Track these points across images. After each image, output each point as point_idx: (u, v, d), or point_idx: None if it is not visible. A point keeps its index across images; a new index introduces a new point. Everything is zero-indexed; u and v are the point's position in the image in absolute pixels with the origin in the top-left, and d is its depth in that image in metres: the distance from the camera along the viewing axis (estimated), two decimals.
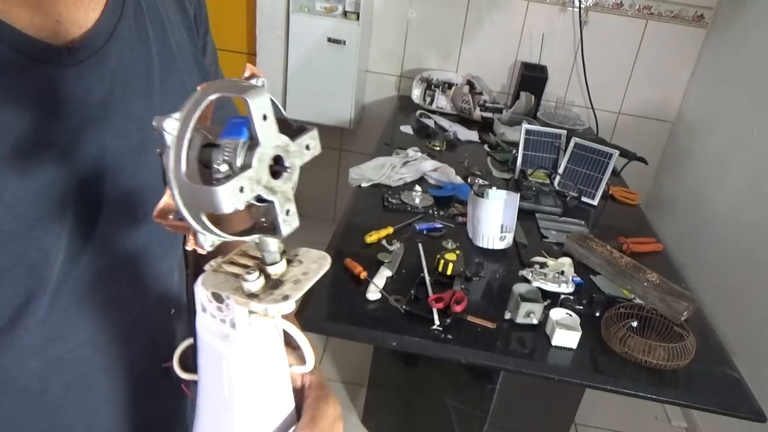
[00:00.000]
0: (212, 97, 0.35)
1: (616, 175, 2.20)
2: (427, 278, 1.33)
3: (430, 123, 2.39)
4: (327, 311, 1.20)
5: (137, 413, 0.60)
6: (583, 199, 1.92)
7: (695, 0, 2.53)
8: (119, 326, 0.55)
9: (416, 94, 2.61)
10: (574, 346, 1.21)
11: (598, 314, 1.31)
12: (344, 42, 2.49)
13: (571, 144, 1.97)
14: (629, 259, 1.45)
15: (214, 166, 0.34)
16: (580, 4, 2.56)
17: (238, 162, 0.34)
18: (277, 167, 0.36)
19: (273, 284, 0.41)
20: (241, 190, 0.33)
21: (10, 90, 0.42)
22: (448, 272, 1.34)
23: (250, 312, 0.42)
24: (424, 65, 2.75)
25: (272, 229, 0.38)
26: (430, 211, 1.66)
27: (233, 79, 0.38)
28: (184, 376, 0.51)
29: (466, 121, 2.49)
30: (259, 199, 0.36)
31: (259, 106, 0.34)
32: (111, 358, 0.55)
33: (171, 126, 0.34)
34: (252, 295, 0.40)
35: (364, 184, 1.75)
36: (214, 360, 0.44)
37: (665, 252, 1.69)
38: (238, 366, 0.44)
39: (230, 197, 0.33)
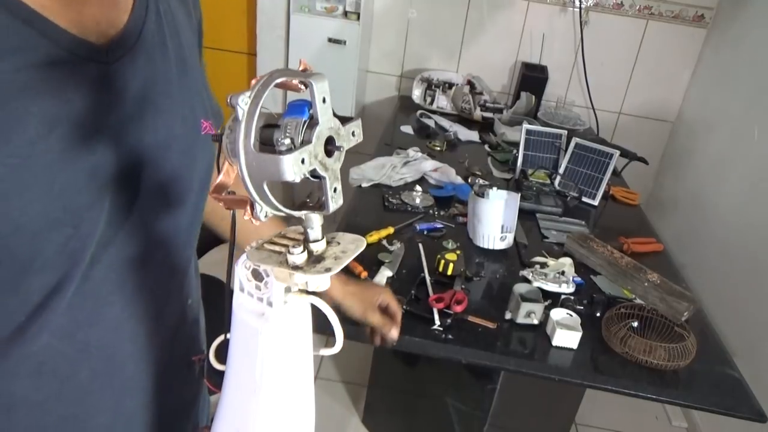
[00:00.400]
0: (280, 79, 0.39)
1: (616, 176, 2.20)
2: (428, 278, 1.33)
3: (431, 123, 2.39)
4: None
5: (159, 402, 0.63)
6: (584, 199, 1.92)
7: (696, 0, 2.53)
8: (144, 314, 0.57)
9: (417, 94, 2.61)
10: (575, 347, 1.21)
11: (598, 314, 1.31)
12: (345, 42, 2.49)
13: (572, 144, 1.96)
14: (630, 260, 1.45)
15: (279, 139, 0.38)
16: (580, 4, 2.56)
17: (300, 137, 0.38)
18: (329, 147, 0.40)
19: (315, 259, 0.44)
20: (303, 161, 0.37)
21: (60, 87, 0.45)
22: (449, 272, 1.34)
23: (286, 291, 0.45)
24: (424, 65, 2.75)
25: (318, 207, 0.42)
26: (431, 211, 1.66)
27: (295, 69, 0.41)
28: (220, 367, 0.53)
29: (466, 121, 2.49)
30: (313, 174, 0.39)
31: (321, 89, 0.38)
32: (136, 345, 0.58)
33: (243, 102, 0.38)
34: (296, 267, 0.43)
35: (364, 184, 1.75)
36: (249, 337, 0.47)
37: (666, 252, 1.69)
38: (272, 343, 0.47)
39: (293, 166, 0.37)
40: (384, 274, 1.31)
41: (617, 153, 1.90)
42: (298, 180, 0.38)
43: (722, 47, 2.47)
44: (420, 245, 1.47)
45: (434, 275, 1.34)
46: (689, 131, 2.64)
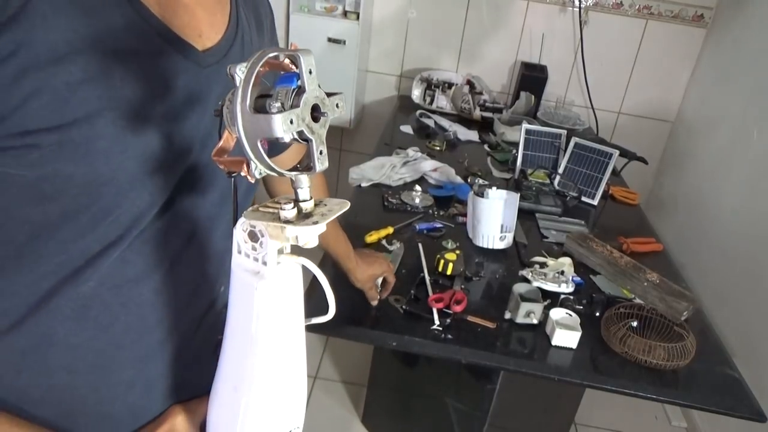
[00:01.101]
0: (272, 54, 0.45)
1: (616, 175, 2.20)
2: (427, 278, 1.33)
3: (430, 123, 2.39)
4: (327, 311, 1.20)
5: (178, 376, 0.67)
6: (583, 198, 1.92)
7: (695, 0, 2.53)
8: (182, 287, 0.63)
9: (416, 93, 2.61)
10: (574, 346, 1.21)
11: (598, 314, 1.31)
12: (344, 42, 2.49)
13: (571, 144, 1.97)
14: (629, 259, 1.45)
15: (271, 103, 0.44)
16: (580, 4, 2.56)
17: (289, 102, 0.44)
18: (315, 114, 0.46)
19: (304, 215, 0.49)
20: (291, 122, 0.43)
21: (165, 76, 0.55)
22: (448, 272, 1.34)
23: (279, 252, 0.51)
24: (424, 65, 2.75)
25: (306, 169, 0.47)
26: (430, 211, 1.66)
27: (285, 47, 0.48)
28: None
29: (466, 120, 2.49)
30: (301, 137, 0.45)
31: (308, 62, 0.44)
32: (169, 313, 0.63)
33: (241, 70, 0.44)
34: (287, 221, 0.48)
35: (364, 184, 1.75)
36: (246, 294, 0.51)
37: (665, 252, 1.69)
38: (267, 299, 0.51)
39: (283, 125, 0.43)
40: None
41: (617, 153, 1.90)
42: (287, 139, 0.44)
43: (722, 47, 2.47)
44: (419, 245, 1.47)
45: (434, 275, 1.35)
46: (689, 131, 2.64)
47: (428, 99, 2.60)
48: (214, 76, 0.60)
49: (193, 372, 0.69)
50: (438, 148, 2.15)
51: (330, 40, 2.50)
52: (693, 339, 1.20)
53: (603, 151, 1.91)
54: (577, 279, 1.41)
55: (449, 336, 1.18)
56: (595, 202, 1.91)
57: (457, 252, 1.40)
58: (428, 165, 1.86)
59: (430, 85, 2.60)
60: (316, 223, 0.48)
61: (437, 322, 1.20)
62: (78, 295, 0.56)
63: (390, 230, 1.50)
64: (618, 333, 1.21)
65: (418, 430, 1.84)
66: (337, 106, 0.48)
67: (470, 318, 1.23)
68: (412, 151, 1.96)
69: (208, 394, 0.64)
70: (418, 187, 1.72)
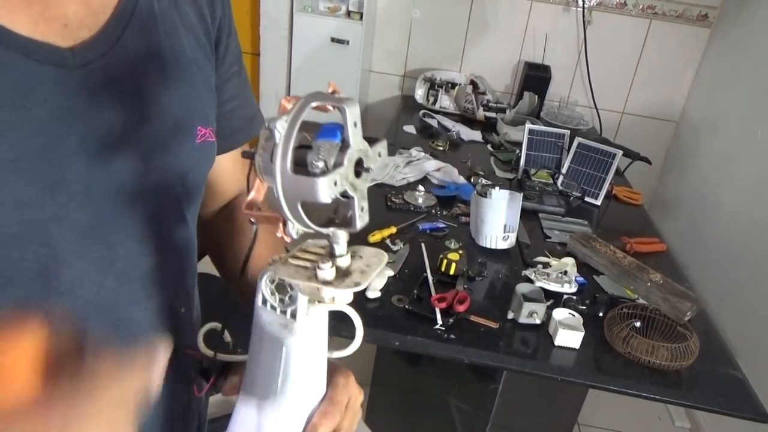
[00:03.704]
0: (314, 104, 0.41)
1: (619, 175, 2.19)
2: (430, 278, 1.33)
3: (434, 123, 2.39)
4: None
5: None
6: (587, 199, 1.92)
7: (699, 0, 2.52)
8: (145, 306, 0.56)
9: (419, 94, 2.61)
10: (577, 346, 1.21)
11: (601, 314, 1.31)
12: (348, 42, 2.49)
13: (575, 144, 1.96)
14: (632, 259, 1.44)
15: (313, 162, 0.40)
16: (583, 4, 2.55)
17: (333, 160, 0.40)
18: (358, 168, 0.42)
19: (343, 273, 0.46)
20: (335, 183, 0.40)
21: (11, 92, 0.43)
22: (451, 272, 1.34)
23: (310, 302, 0.47)
24: (427, 65, 2.75)
25: (346, 224, 0.44)
26: (433, 211, 1.66)
27: (326, 92, 0.43)
28: (209, 353, 0.55)
29: (469, 120, 2.49)
30: (343, 195, 0.42)
31: (353, 114, 0.40)
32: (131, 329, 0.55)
33: (281, 126, 0.40)
34: (326, 282, 0.45)
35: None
36: (272, 348, 0.49)
37: (669, 252, 1.69)
38: (296, 353, 0.48)
39: (327, 188, 0.39)
40: (386, 274, 1.31)
41: (620, 153, 1.89)
42: (330, 201, 0.40)
43: (726, 47, 2.47)
44: (422, 245, 1.47)
45: (437, 275, 1.35)
46: (693, 131, 2.63)
47: (431, 99, 2.59)
48: (97, 75, 0.48)
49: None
50: (441, 148, 2.15)
51: (333, 40, 2.50)
52: (696, 339, 1.20)
53: (606, 151, 1.91)
54: (580, 279, 1.41)
55: (452, 336, 1.18)
56: (598, 203, 1.91)
57: (460, 252, 1.40)
58: (431, 165, 1.86)
59: (433, 85, 2.60)
60: (357, 284, 0.44)
61: (440, 321, 1.20)
62: None
63: (393, 230, 1.50)
64: (621, 333, 1.21)
65: (421, 429, 1.84)
66: (379, 155, 0.44)
67: (473, 318, 1.23)
68: (415, 151, 1.96)
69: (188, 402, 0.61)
70: (421, 187, 1.72)
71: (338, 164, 0.40)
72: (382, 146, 0.44)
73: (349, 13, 2.50)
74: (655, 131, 2.78)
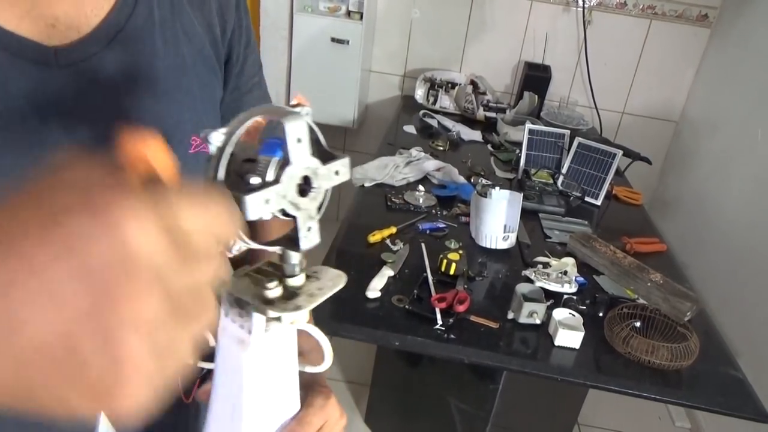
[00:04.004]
0: (256, 117, 0.39)
1: (619, 175, 2.19)
2: (430, 278, 1.33)
3: (434, 123, 2.39)
4: (330, 310, 1.21)
5: None
6: (587, 199, 1.92)
7: (699, 0, 2.52)
8: None
9: (419, 94, 2.61)
10: (577, 346, 1.21)
11: (601, 314, 1.31)
12: (348, 42, 2.49)
13: (575, 144, 1.96)
14: (632, 259, 1.44)
15: (248, 177, 0.38)
16: (583, 4, 2.55)
17: (269, 177, 0.38)
18: (305, 186, 0.40)
19: (289, 294, 0.43)
20: (267, 201, 0.37)
21: None
22: (451, 272, 1.34)
23: (268, 319, 0.45)
24: (427, 65, 2.75)
25: (295, 243, 0.41)
26: (433, 211, 1.66)
27: (280, 105, 0.41)
28: (200, 364, 0.53)
29: (469, 120, 2.49)
30: (285, 213, 0.39)
31: (294, 129, 0.37)
32: None
33: (216, 138, 0.38)
34: (269, 302, 0.43)
35: (367, 184, 1.75)
36: (231, 362, 0.47)
37: (669, 252, 1.69)
38: (253, 368, 0.46)
39: (256, 206, 0.37)
40: (385, 274, 1.31)
41: (620, 153, 1.89)
42: (266, 217, 0.38)
43: (726, 47, 2.47)
44: (422, 245, 1.47)
45: (437, 275, 1.34)
46: (693, 131, 2.63)
47: (431, 99, 2.59)
48: (82, 76, 0.48)
49: None
50: (441, 148, 2.15)
51: (333, 40, 2.50)
52: (696, 339, 1.20)
53: (606, 151, 1.91)
54: (581, 279, 1.41)
55: (452, 336, 1.18)
56: (598, 202, 1.91)
57: (460, 252, 1.40)
58: (431, 165, 1.86)
59: (433, 85, 2.60)
60: (298, 308, 0.42)
61: (440, 321, 1.20)
62: None
63: (393, 230, 1.50)
64: (621, 333, 1.21)
65: (421, 429, 1.84)
66: (336, 173, 0.41)
67: (473, 318, 1.23)
68: (415, 151, 1.96)
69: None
70: (421, 187, 1.72)
71: (275, 181, 0.38)
72: (341, 164, 0.41)
73: (349, 13, 2.50)
74: (655, 131, 2.78)
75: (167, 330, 0.25)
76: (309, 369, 0.54)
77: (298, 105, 0.40)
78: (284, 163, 0.38)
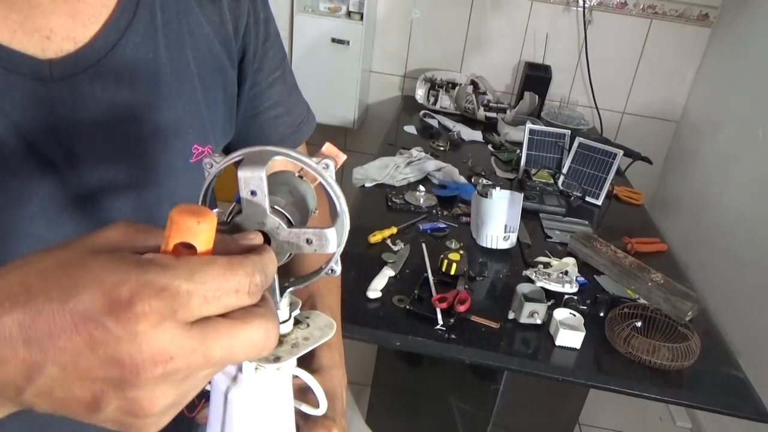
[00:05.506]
0: (245, 151, 0.36)
1: (620, 175, 2.19)
2: (431, 278, 1.33)
3: (434, 123, 2.39)
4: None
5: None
6: (587, 199, 1.91)
7: None
8: None
9: (420, 94, 2.61)
10: (578, 346, 1.20)
11: (602, 314, 1.31)
12: (348, 42, 2.49)
13: (575, 144, 1.96)
14: (633, 259, 1.44)
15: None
16: (584, 4, 2.55)
17: (222, 218, 0.37)
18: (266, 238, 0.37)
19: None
20: None
21: None
22: (452, 272, 1.34)
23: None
24: (427, 65, 2.75)
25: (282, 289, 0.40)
26: (434, 211, 1.66)
27: (291, 150, 0.37)
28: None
29: (469, 121, 2.49)
30: None
31: (246, 181, 0.34)
32: None
33: (208, 165, 0.37)
34: None
35: (367, 184, 1.75)
36: (220, 399, 0.46)
37: (670, 252, 1.69)
38: (242, 407, 0.45)
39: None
40: (385, 274, 1.31)
41: (621, 153, 1.89)
42: None
43: (727, 46, 2.47)
44: (423, 245, 1.47)
45: (437, 275, 1.34)
46: (694, 131, 2.63)
47: (432, 99, 2.60)
48: (79, 90, 0.46)
49: None
50: (442, 148, 2.15)
51: (334, 40, 2.50)
52: (697, 339, 1.20)
53: (607, 151, 1.91)
54: (581, 279, 1.41)
55: (453, 336, 1.18)
56: (599, 202, 1.91)
57: (461, 252, 1.40)
58: (432, 165, 1.86)
59: (433, 86, 2.60)
60: (278, 359, 0.40)
61: (441, 322, 1.20)
62: None
63: (394, 230, 1.50)
64: (622, 333, 1.21)
65: (422, 430, 1.84)
66: (308, 242, 0.36)
67: (474, 318, 1.23)
68: (415, 151, 1.96)
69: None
70: (421, 187, 1.72)
71: (225, 223, 0.36)
72: (314, 234, 0.36)
73: (349, 14, 2.50)
74: (655, 131, 2.78)
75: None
76: (306, 409, 0.52)
77: (325, 157, 0.37)
78: (238, 211, 0.36)
